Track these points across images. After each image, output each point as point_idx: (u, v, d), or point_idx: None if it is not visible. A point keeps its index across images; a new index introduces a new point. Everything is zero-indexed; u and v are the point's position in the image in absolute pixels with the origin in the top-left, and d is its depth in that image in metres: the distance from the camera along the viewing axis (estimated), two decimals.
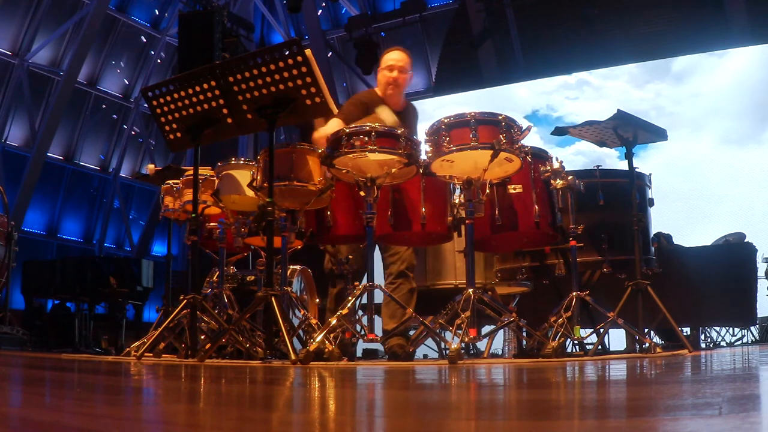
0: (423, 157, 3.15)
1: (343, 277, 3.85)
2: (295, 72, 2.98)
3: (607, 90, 9.84)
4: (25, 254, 8.33)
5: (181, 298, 3.27)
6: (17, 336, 6.32)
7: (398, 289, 3.73)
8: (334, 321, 2.99)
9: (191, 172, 3.59)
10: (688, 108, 9.39)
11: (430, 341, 4.40)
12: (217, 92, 3.17)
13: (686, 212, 8.24)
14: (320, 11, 12.48)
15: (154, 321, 6.42)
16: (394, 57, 3.94)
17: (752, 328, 7.16)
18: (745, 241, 5.79)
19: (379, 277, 3.37)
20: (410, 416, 1.10)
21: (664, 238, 5.16)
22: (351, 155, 3.08)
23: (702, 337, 6.21)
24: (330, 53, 12.33)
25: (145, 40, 13.38)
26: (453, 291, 4.07)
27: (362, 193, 3.11)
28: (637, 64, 9.53)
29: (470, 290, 2.95)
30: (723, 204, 8.44)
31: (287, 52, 2.98)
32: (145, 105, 5.93)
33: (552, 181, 3.41)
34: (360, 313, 3.62)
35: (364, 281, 3.08)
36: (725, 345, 7.15)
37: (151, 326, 4.27)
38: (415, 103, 4.36)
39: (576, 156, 9.22)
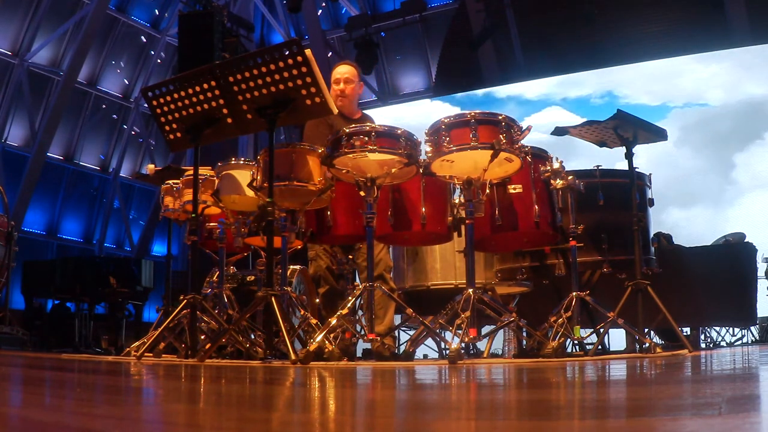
0: (423, 157, 3.15)
1: (343, 277, 3.85)
2: (295, 72, 2.98)
3: None
4: (25, 254, 8.32)
5: (181, 298, 3.27)
6: (17, 336, 6.32)
7: (375, 292, 3.69)
8: (334, 321, 2.99)
9: (191, 172, 3.59)
10: None
11: (430, 341, 4.40)
12: (217, 92, 3.17)
13: None
14: (320, 11, 12.48)
15: (154, 321, 6.42)
16: (339, 71, 4.21)
17: (752, 328, 7.17)
18: (745, 241, 5.79)
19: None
20: (410, 416, 1.09)
21: (664, 238, 5.16)
22: (351, 155, 3.08)
23: (702, 337, 6.21)
24: (330, 53, 12.33)
25: (145, 40, 13.38)
26: (453, 291, 4.07)
27: (362, 193, 3.11)
28: None
29: (470, 290, 2.95)
30: None
31: (287, 52, 2.98)
32: (145, 105, 5.93)
33: (552, 181, 3.41)
34: (360, 313, 3.62)
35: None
36: (725, 345, 7.16)
37: (151, 326, 4.27)
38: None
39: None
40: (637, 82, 9.62)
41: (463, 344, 2.86)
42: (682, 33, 9.36)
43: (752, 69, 8.78)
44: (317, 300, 4.16)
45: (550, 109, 10.19)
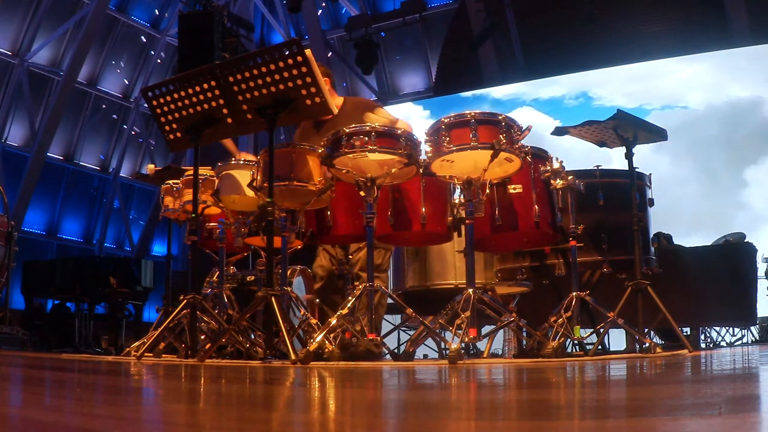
0: (423, 157, 3.15)
1: (343, 277, 3.84)
2: (295, 72, 2.98)
3: None
4: (25, 254, 8.32)
5: (181, 298, 3.26)
6: (17, 336, 6.32)
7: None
8: (334, 321, 2.99)
9: (191, 172, 3.59)
10: None
11: (430, 341, 4.40)
12: (217, 92, 3.17)
13: None
14: (320, 11, 12.48)
15: (154, 321, 6.42)
16: None
17: (752, 328, 7.17)
18: (745, 241, 5.79)
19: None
20: (410, 416, 1.09)
21: (664, 238, 5.16)
22: (351, 155, 3.08)
23: (702, 337, 6.22)
24: (330, 53, 12.33)
25: (145, 40, 13.38)
26: (453, 291, 4.06)
27: (362, 193, 3.11)
28: None
29: (470, 290, 2.94)
30: None
31: (287, 52, 2.98)
32: (145, 105, 5.93)
33: (552, 181, 3.41)
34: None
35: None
36: (725, 345, 7.16)
37: (151, 326, 4.27)
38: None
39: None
40: (612, 83, 9.26)
41: (463, 344, 2.86)
42: (682, 33, 9.36)
43: (734, 70, 8.59)
44: (317, 300, 4.17)
45: (521, 109, 9.76)
